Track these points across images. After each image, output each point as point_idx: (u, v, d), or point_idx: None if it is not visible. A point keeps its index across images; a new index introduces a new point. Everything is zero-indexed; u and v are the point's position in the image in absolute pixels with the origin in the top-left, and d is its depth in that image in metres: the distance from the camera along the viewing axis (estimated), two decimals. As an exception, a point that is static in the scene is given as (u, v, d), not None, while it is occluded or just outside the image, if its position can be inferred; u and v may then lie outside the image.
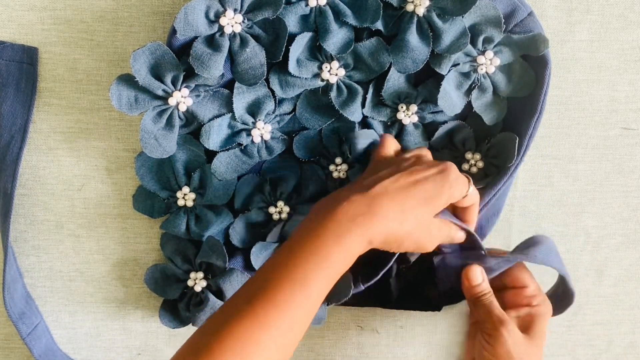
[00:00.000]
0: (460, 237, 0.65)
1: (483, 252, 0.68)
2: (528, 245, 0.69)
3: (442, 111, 0.67)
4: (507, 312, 0.67)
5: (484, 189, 0.68)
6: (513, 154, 0.66)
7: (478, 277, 0.67)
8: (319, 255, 0.56)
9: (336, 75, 0.66)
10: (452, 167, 0.62)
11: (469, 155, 0.69)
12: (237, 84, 0.65)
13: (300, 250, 0.56)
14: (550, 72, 0.66)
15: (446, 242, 0.64)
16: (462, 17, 0.63)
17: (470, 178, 0.64)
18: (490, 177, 0.69)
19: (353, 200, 0.58)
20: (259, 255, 0.69)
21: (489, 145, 0.69)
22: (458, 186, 0.62)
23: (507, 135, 0.67)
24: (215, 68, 0.62)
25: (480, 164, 0.69)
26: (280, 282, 0.55)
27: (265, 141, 0.68)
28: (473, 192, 0.64)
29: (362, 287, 0.69)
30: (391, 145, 0.66)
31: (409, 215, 0.59)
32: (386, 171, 0.61)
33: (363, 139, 0.67)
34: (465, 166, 0.69)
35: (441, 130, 0.68)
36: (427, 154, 0.66)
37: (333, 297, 0.68)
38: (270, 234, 0.70)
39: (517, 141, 0.66)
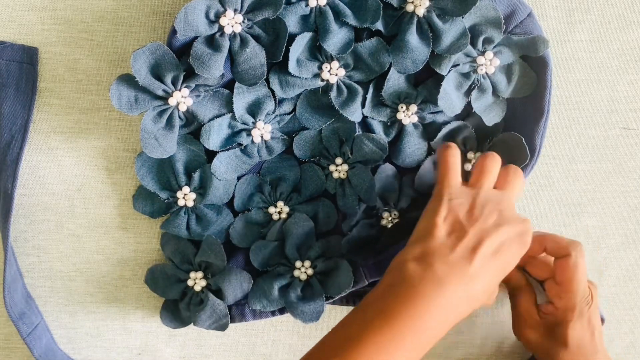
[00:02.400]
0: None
1: None
2: None
3: (442, 111, 0.67)
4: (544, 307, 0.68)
5: None
6: (525, 155, 0.66)
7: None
8: (413, 335, 0.56)
9: (336, 75, 0.66)
10: (530, 227, 0.61)
11: (470, 155, 0.69)
12: (237, 84, 0.65)
13: (395, 324, 0.56)
14: (552, 73, 0.66)
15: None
16: (462, 17, 0.63)
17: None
18: None
19: (456, 285, 0.57)
20: (258, 254, 0.69)
21: (491, 144, 0.69)
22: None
23: (511, 135, 0.67)
24: (216, 68, 0.62)
25: (482, 164, 0.69)
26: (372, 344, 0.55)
27: (265, 141, 0.68)
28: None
29: (367, 283, 0.69)
30: (456, 168, 0.64)
31: (487, 288, 0.59)
32: (472, 232, 0.59)
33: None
34: (468, 166, 0.69)
35: (443, 131, 0.68)
36: (506, 196, 0.63)
37: (332, 289, 0.68)
38: (269, 233, 0.70)
39: (524, 142, 0.66)
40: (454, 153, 0.64)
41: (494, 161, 0.64)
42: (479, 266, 0.58)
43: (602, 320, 0.70)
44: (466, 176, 0.69)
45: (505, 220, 0.60)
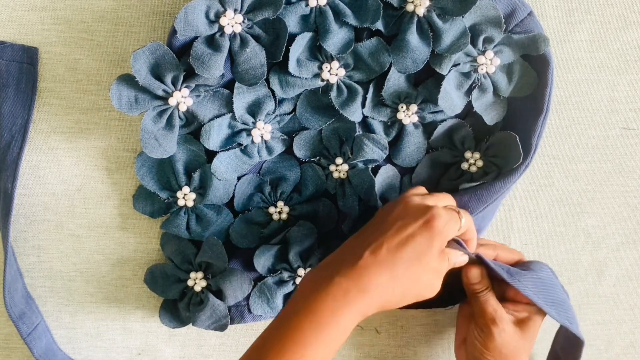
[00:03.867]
0: (462, 260, 0.65)
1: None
2: (526, 269, 0.68)
3: (442, 111, 0.67)
4: (505, 305, 0.67)
5: (492, 186, 0.68)
6: (518, 154, 0.66)
7: (476, 276, 0.67)
8: (314, 335, 0.56)
9: (336, 75, 0.66)
10: (438, 212, 0.60)
11: (468, 155, 0.69)
12: (237, 84, 0.65)
13: (294, 329, 0.56)
14: (553, 71, 0.66)
15: (450, 268, 0.64)
16: (462, 17, 0.63)
17: (460, 211, 0.63)
18: (491, 175, 0.68)
19: (344, 275, 0.57)
20: (261, 258, 0.69)
21: (488, 144, 0.69)
22: (449, 230, 0.61)
23: (506, 134, 0.67)
24: (216, 68, 0.62)
25: (480, 163, 0.69)
26: (276, 358, 0.55)
27: (266, 141, 0.68)
28: (466, 222, 0.63)
29: None
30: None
31: (402, 279, 0.58)
32: (371, 232, 0.61)
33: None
34: (465, 165, 0.69)
35: (440, 128, 0.68)
36: (415, 194, 0.64)
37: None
38: (274, 239, 0.70)
39: (518, 140, 0.66)
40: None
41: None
42: (370, 259, 0.58)
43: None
44: (462, 174, 0.69)
45: (407, 213, 0.61)
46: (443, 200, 0.64)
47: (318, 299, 0.57)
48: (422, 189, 0.66)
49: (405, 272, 0.58)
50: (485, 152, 0.69)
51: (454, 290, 0.70)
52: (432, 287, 0.61)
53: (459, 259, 0.64)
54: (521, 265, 0.69)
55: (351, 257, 0.59)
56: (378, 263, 0.58)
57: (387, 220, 0.61)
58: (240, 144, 0.67)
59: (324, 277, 0.58)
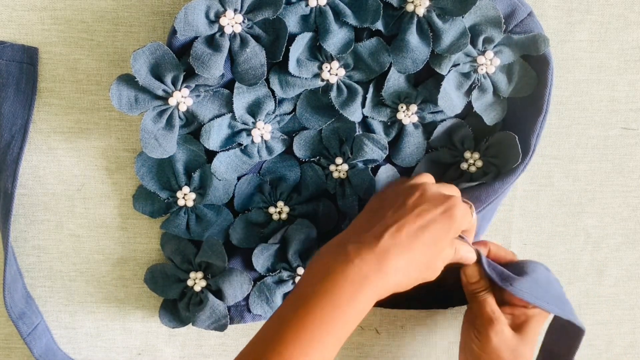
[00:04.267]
0: (470, 257, 0.65)
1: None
2: (520, 271, 0.68)
3: (442, 111, 0.67)
4: (502, 309, 0.67)
5: (491, 186, 0.68)
6: (517, 154, 0.66)
7: (474, 275, 0.67)
8: (332, 316, 0.56)
9: (336, 75, 0.66)
10: (458, 202, 0.61)
11: (467, 155, 0.69)
12: (237, 84, 0.65)
13: (312, 309, 0.56)
14: (553, 71, 0.66)
15: (455, 260, 0.64)
16: (462, 17, 0.63)
17: (472, 205, 0.64)
18: (490, 175, 0.68)
19: (363, 258, 0.57)
20: (260, 257, 0.69)
21: (487, 144, 0.69)
22: (464, 221, 0.61)
23: (505, 134, 0.67)
24: (216, 68, 0.62)
25: (479, 163, 0.69)
26: (291, 343, 0.55)
27: (266, 141, 0.68)
28: (474, 218, 0.64)
29: None
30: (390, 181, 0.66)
31: (417, 263, 0.59)
32: (390, 215, 0.61)
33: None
34: (464, 165, 0.69)
35: (440, 128, 0.68)
36: (430, 183, 0.65)
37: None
38: (272, 238, 0.70)
39: (517, 141, 0.66)
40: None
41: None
42: (390, 242, 0.58)
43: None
44: (461, 174, 0.69)
45: (426, 200, 0.61)
46: (452, 191, 0.65)
47: (336, 282, 0.57)
48: (430, 177, 0.66)
49: (422, 256, 0.59)
50: (485, 152, 0.69)
51: (454, 292, 0.70)
52: (436, 272, 0.62)
53: (467, 254, 0.64)
54: (515, 265, 0.69)
55: (370, 239, 0.59)
56: (397, 246, 0.58)
57: (406, 204, 0.61)
58: (240, 144, 0.67)
59: (341, 258, 0.58)
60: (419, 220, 0.60)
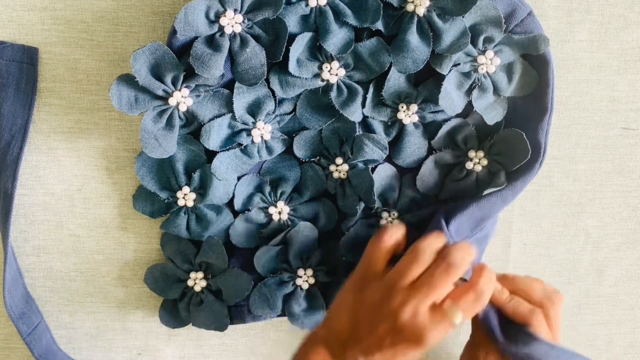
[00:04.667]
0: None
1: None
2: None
3: (442, 111, 0.67)
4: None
5: (513, 186, 0.67)
6: (526, 150, 0.65)
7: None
8: None
9: (336, 75, 0.66)
10: (430, 336, 0.58)
11: (472, 154, 0.69)
12: (237, 84, 0.65)
13: None
14: (554, 70, 0.66)
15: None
16: (463, 17, 0.63)
17: (451, 312, 0.59)
18: (501, 175, 0.68)
19: None
20: (261, 259, 0.69)
21: (492, 142, 0.69)
22: (438, 339, 0.59)
23: (511, 131, 0.67)
24: (216, 68, 0.62)
25: (484, 162, 0.69)
26: None
27: (266, 141, 0.68)
28: (462, 318, 0.59)
29: None
30: (381, 255, 0.63)
31: None
32: (365, 335, 0.60)
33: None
34: (469, 164, 0.69)
35: (443, 129, 0.68)
36: (408, 305, 0.60)
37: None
38: (273, 240, 0.70)
39: (525, 137, 0.65)
40: (379, 245, 0.63)
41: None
42: None
43: None
44: (466, 174, 0.69)
45: (396, 331, 0.59)
46: (462, 257, 0.60)
47: None
48: (435, 244, 0.61)
49: None
50: (489, 151, 0.69)
51: None
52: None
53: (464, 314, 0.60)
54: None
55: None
56: None
57: (377, 330, 0.60)
58: (240, 144, 0.67)
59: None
60: (389, 350, 0.59)
